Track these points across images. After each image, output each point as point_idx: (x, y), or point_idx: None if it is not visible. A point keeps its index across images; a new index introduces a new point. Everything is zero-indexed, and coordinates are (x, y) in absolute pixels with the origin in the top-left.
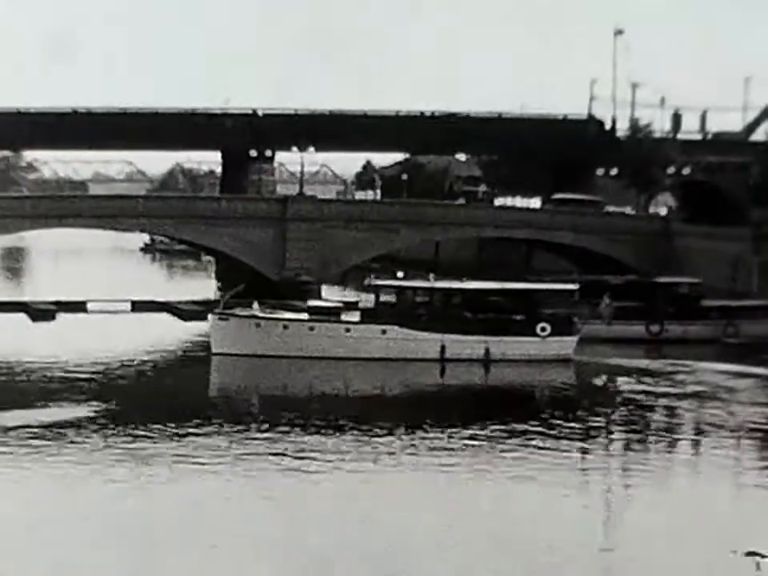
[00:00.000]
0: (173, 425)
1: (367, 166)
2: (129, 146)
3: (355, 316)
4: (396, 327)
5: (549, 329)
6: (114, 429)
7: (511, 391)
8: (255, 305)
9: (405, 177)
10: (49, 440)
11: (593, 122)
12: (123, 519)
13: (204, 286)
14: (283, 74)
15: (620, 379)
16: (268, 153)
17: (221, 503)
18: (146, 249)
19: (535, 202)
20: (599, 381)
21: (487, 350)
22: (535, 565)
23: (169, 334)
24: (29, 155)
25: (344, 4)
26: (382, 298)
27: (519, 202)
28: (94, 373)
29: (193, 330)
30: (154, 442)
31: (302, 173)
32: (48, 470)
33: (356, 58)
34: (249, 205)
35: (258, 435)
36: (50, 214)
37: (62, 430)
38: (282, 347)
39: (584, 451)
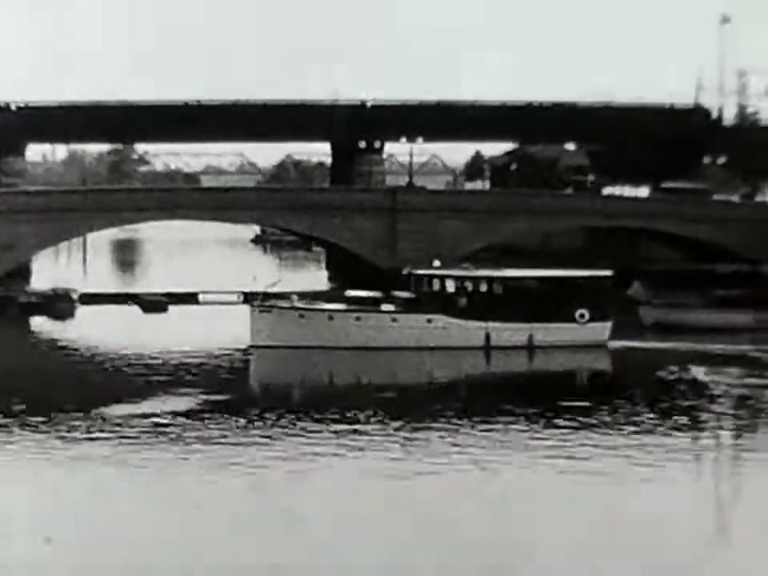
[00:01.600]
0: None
1: (476, 156)
2: (240, 137)
3: (394, 306)
4: (441, 316)
5: (587, 315)
6: (230, 419)
7: (587, 378)
8: (294, 297)
9: (514, 167)
10: (158, 431)
11: (699, 111)
12: None
13: (315, 277)
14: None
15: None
16: (377, 144)
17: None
18: (256, 240)
19: (643, 191)
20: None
21: (530, 337)
22: None
23: None
24: (140, 148)
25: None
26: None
27: (627, 191)
28: (200, 364)
29: None
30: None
31: (410, 163)
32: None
33: (451, 47)
34: (359, 196)
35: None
36: (162, 206)
37: (176, 421)
38: (327, 338)
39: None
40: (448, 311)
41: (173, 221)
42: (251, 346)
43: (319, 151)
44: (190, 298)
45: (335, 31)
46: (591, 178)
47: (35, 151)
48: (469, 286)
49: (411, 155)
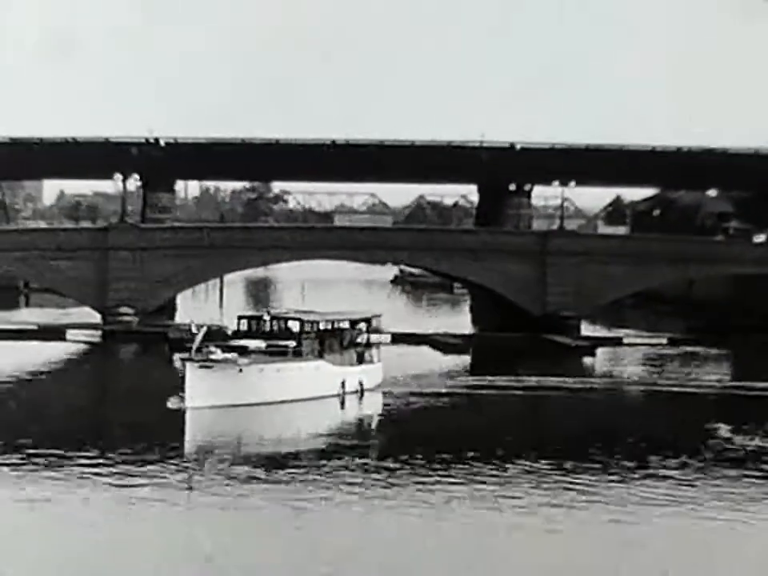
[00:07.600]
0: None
1: (617, 200)
2: (377, 178)
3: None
4: (322, 362)
5: (375, 357)
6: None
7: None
8: (212, 347)
9: (656, 212)
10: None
11: None
12: None
13: (458, 320)
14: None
15: None
16: (527, 187)
17: None
18: (395, 281)
19: None
20: None
21: (361, 381)
22: None
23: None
24: (276, 186)
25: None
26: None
27: None
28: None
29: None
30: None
31: (561, 207)
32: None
33: (589, 90)
34: (508, 238)
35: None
36: (297, 246)
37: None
38: (260, 393)
39: None
40: (323, 357)
41: (309, 260)
42: (190, 408)
43: (452, 192)
44: None
45: (481, 73)
46: (735, 224)
47: None
48: (328, 330)
49: (562, 199)
